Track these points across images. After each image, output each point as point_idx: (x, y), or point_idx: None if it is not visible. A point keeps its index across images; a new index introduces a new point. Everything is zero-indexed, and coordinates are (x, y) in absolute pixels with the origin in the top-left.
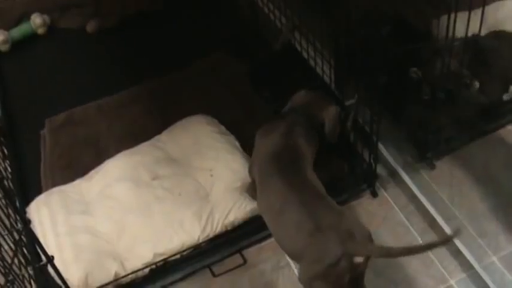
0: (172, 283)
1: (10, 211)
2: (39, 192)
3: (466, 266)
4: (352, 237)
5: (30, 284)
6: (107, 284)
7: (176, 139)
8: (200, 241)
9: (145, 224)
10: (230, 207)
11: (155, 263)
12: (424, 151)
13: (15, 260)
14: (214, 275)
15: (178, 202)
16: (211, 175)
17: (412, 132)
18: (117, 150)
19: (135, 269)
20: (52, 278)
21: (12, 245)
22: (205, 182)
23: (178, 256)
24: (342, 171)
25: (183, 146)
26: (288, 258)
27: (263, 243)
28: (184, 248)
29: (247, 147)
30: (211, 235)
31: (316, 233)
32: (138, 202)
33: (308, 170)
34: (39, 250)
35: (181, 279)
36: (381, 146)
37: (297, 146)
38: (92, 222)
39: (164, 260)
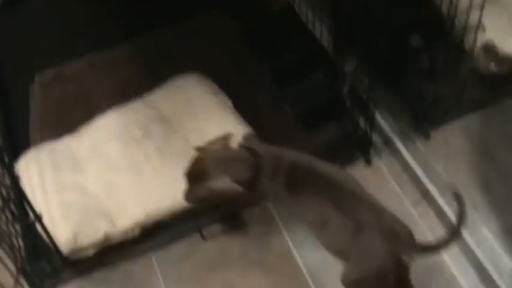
0: (161, 244)
1: None
2: (28, 148)
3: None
4: (396, 236)
5: (17, 241)
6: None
7: (168, 98)
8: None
9: (136, 182)
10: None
11: (146, 223)
12: (421, 121)
13: (3, 217)
14: (204, 238)
15: (169, 161)
16: (202, 135)
17: (409, 101)
18: (108, 107)
19: (126, 228)
20: (40, 236)
21: None
22: (197, 142)
23: (169, 216)
24: (337, 137)
25: (175, 105)
26: (279, 223)
27: (254, 209)
28: (176, 208)
29: (240, 106)
30: None
31: (358, 234)
32: (129, 160)
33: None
34: (27, 207)
35: (171, 240)
36: (377, 114)
37: None
38: (81, 180)
39: (155, 219)
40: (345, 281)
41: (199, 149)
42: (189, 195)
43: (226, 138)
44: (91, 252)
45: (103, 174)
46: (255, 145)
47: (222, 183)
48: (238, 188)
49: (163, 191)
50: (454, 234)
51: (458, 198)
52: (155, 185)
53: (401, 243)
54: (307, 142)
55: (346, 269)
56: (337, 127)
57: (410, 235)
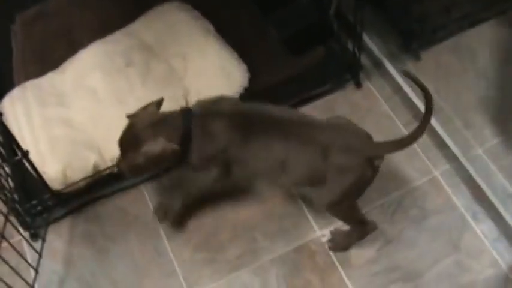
0: (152, 176)
1: None
2: (12, 88)
3: (451, 157)
4: (363, 143)
5: (7, 181)
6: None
7: (150, 26)
8: None
9: (121, 112)
10: (204, 93)
11: None
12: (409, 41)
13: None
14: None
15: (152, 88)
16: (185, 60)
17: (397, 21)
18: (91, 41)
19: (114, 158)
20: (29, 174)
21: None
22: (179, 67)
23: None
24: (325, 59)
25: (157, 32)
26: None
27: None
28: None
29: (222, 32)
30: None
31: (326, 155)
32: (113, 91)
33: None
34: (14, 145)
35: (162, 171)
36: (365, 36)
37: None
38: (67, 113)
39: None
40: (328, 203)
41: (130, 116)
42: (124, 164)
43: (158, 103)
44: (81, 185)
45: (88, 107)
46: (199, 105)
47: (157, 146)
48: (175, 147)
49: None
50: (422, 127)
51: (424, 90)
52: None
53: (374, 146)
54: (294, 67)
55: (324, 192)
56: (324, 51)
57: (370, 137)
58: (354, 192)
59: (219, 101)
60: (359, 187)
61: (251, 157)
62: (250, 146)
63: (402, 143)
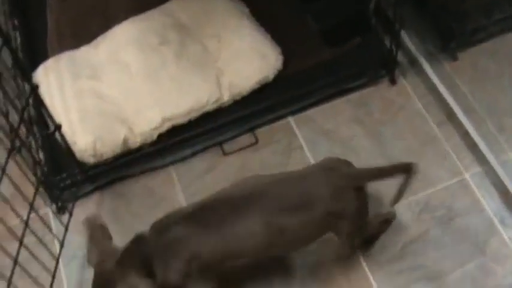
0: (182, 159)
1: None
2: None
3: (482, 160)
4: (349, 172)
5: (37, 154)
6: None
7: (185, 6)
8: (208, 106)
9: (152, 88)
10: (237, 75)
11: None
12: (448, 41)
13: (23, 129)
14: (224, 153)
15: (185, 67)
16: (219, 41)
17: (436, 19)
18: (126, 18)
19: (144, 133)
20: (59, 146)
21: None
22: (213, 48)
23: (186, 121)
24: (361, 54)
25: (192, 13)
26: (301, 140)
27: (275, 124)
28: (192, 113)
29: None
30: (219, 101)
31: (312, 205)
32: (146, 67)
33: None
34: (46, 117)
35: (192, 155)
36: (403, 33)
37: None
38: (99, 86)
39: (172, 124)
40: (350, 242)
41: (94, 266)
42: None
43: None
44: (110, 158)
45: (121, 81)
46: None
47: (130, 282)
48: (146, 281)
49: (179, 96)
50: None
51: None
52: (172, 90)
53: (357, 175)
54: (328, 53)
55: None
56: (360, 40)
57: (349, 165)
58: (359, 220)
59: (170, 216)
60: (360, 214)
61: (229, 243)
62: (222, 233)
63: (383, 172)
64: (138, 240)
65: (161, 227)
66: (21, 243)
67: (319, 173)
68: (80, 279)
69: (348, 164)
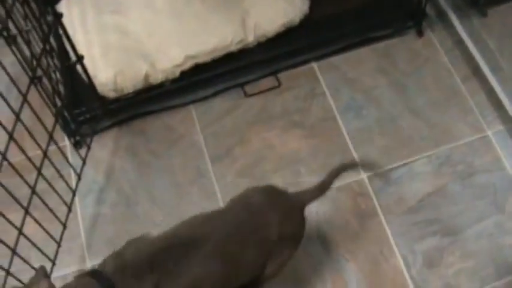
0: (203, 98)
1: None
2: None
3: (506, 119)
4: (292, 195)
5: (57, 85)
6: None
7: None
8: (232, 46)
9: (177, 26)
10: (263, 17)
11: (185, 65)
12: None
13: (44, 60)
14: (246, 95)
15: (211, 6)
16: None
17: None
18: None
19: (166, 69)
20: (80, 79)
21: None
22: None
23: (209, 60)
24: (390, 4)
25: None
26: (323, 86)
27: (299, 69)
28: (215, 52)
29: None
30: (243, 42)
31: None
32: (171, 3)
33: None
34: (68, 48)
35: (213, 95)
36: None
37: None
38: (123, 21)
39: (194, 62)
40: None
41: None
42: None
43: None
44: (131, 93)
45: (145, 17)
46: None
47: None
48: None
49: (203, 35)
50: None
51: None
52: (196, 28)
53: (305, 195)
54: (358, 6)
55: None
56: None
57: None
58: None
59: (126, 247)
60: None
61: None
62: (182, 276)
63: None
64: (93, 276)
65: (122, 266)
66: (39, 172)
67: (264, 199)
68: (95, 213)
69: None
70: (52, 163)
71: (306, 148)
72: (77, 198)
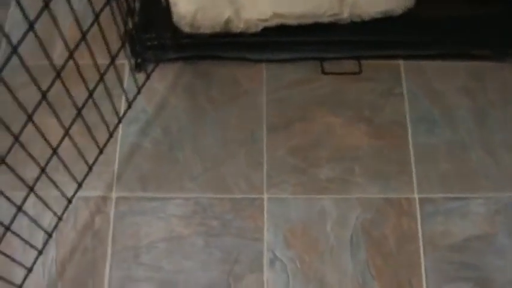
0: (278, 61)
1: None
2: None
3: None
4: None
5: (133, 2)
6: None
7: None
8: (323, 17)
9: None
10: None
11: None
12: None
13: None
14: (323, 71)
15: None
16: None
17: None
18: None
19: (249, 20)
20: (158, 3)
21: None
22: None
23: (296, 24)
24: (495, 23)
25: None
26: (404, 88)
27: (384, 62)
28: (305, 18)
29: None
30: (336, 16)
31: None
32: None
33: None
34: None
35: (289, 60)
36: None
37: None
38: None
39: (281, 22)
40: None
41: None
42: None
43: None
44: (206, 34)
45: None
46: None
47: None
48: None
49: None
50: None
51: None
52: None
53: None
54: (465, 16)
55: None
56: (503, 12)
57: None
58: None
59: None
60: None
61: None
62: None
63: None
64: None
65: None
66: (102, 78)
67: None
68: (135, 144)
69: None
70: (105, 85)
71: (366, 147)
72: (121, 124)
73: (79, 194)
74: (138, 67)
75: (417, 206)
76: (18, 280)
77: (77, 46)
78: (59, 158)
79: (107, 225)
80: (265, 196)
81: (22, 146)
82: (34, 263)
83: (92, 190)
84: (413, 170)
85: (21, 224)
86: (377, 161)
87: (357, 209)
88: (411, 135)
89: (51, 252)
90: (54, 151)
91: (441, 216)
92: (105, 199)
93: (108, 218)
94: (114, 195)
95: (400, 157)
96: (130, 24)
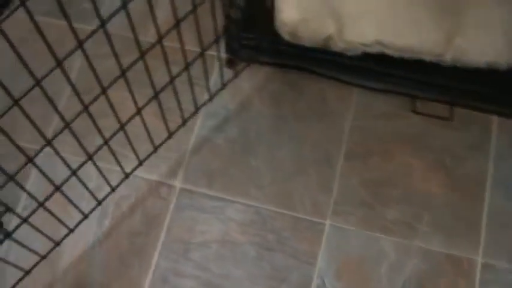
0: (371, 89)
1: None
2: None
3: None
4: None
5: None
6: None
7: None
8: (426, 55)
9: (388, 6)
10: (472, 43)
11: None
12: None
13: None
14: (413, 110)
15: (425, 1)
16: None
17: None
18: None
19: (350, 42)
20: (263, 4)
21: None
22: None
23: (396, 56)
24: None
25: None
26: (492, 146)
27: (477, 114)
28: (408, 52)
29: None
30: (438, 57)
31: None
32: None
33: None
34: None
35: (382, 91)
36: None
37: None
38: None
39: (382, 51)
40: None
41: None
42: None
43: None
44: (306, 44)
45: None
46: None
47: None
48: None
49: (405, 27)
50: None
51: None
52: (401, 17)
53: None
54: None
55: None
56: None
57: None
58: None
59: None
60: None
61: None
62: None
63: None
64: None
65: None
66: (187, 67)
67: None
68: (208, 139)
69: None
70: (189, 73)
71: (441, 197)
72: (198, 116)
73: (143, 175)
74: (228, 63)
75: (478, 270)
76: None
77: (168, 31)
78: (125, 133)
79: (165, 213)
80: (328, 222)
81: (90, 115)
82: (77, 225)
83: (158, 175)
84: (483, 232)
85: (83, 192)
86: (447, 214)
87: (416, 258)
88: (488, 196)
89: (104, 224)
90: (122, 126)
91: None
92: (169, 187)
93: (168, 206)
94: (178, 185)
95: (472, 215)
96: (230, 20)
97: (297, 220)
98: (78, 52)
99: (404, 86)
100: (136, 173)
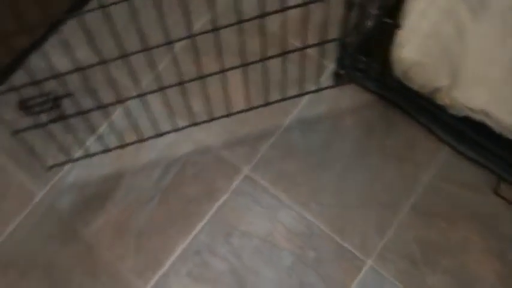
0: (461, 153)
1: None
2: None
3: None
4: None
5: (362, 20)
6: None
7: None
8: None
9: (504, 75)
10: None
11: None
12: None
13: None
14: (495, 191)
15: None
16: None
17: None
18: None
19: (454, 101)
20: (384, 31)
21: None
22: None
23: (496, 129)
24: None
25: None
26: None
27: None
28: (509, 131)
29: None
30: None
31: None
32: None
33: None
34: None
35: (470, 159)
36: None
37: None
38: (468, 19)
39: (484, 121)
40: None
41: None
42: None
43: None
44: (413, 87)
45: (492, 34)
46: None
47: None
48: None
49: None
50: None
51: None
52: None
53: None
54: None
55: None
56: None
57: None
58: None
59: None
60: None
61: None
62: None
63: None
64: None
65: None
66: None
67: None
68: (291, 138)
69: None
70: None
71: (489, 283)
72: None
73: (223, 152)
74: (334, 75)
75: None
76: None
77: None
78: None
79: (224, 192)
80: (369, 262)
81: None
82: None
83: (232, 155)
84: None
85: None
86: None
87: None
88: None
89: (166, 179)
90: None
91: None
92: (237, 169)
93: (228, 187)
94: (246, 170)
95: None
96: (351, 37)
97: (341, 248)
98: None
99: (494, 163)
100: (213, 143)
